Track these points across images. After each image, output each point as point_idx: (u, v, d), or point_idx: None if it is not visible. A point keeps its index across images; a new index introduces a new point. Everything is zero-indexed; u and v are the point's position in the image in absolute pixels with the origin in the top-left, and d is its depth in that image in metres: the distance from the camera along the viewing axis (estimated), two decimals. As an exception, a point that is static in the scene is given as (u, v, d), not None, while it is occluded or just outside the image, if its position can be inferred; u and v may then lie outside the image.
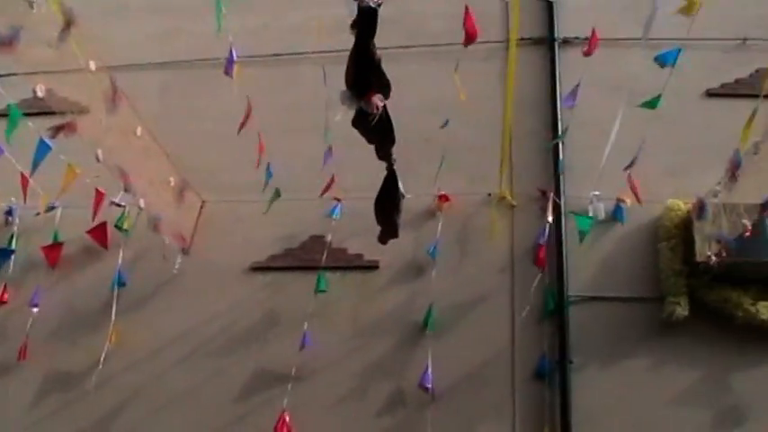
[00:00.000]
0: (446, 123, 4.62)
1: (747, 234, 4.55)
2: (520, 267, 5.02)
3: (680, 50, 3.95)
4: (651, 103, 4.40)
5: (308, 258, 5.06)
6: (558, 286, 4.92)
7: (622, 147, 4.94)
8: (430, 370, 4.65)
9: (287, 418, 4.46)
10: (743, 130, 4.07)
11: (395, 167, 3.56)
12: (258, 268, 5.11)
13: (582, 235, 4.76)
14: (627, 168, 4.50)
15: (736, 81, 5.20)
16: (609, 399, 4.71)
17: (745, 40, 5.33)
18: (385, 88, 2.99)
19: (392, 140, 3.31)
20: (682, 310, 4.73)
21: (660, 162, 4.96)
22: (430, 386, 4.63)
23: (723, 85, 5.28)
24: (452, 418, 4.72)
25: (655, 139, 4.94)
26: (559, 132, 5.15)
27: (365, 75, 2.88)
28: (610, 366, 4.79)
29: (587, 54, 4.37)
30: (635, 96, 4.24)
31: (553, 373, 4.73)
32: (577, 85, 4.50)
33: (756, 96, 4.78)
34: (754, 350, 4.68)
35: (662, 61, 4.02)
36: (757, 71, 5.27)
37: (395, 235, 4.14)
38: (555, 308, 4.88)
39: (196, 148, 5.26)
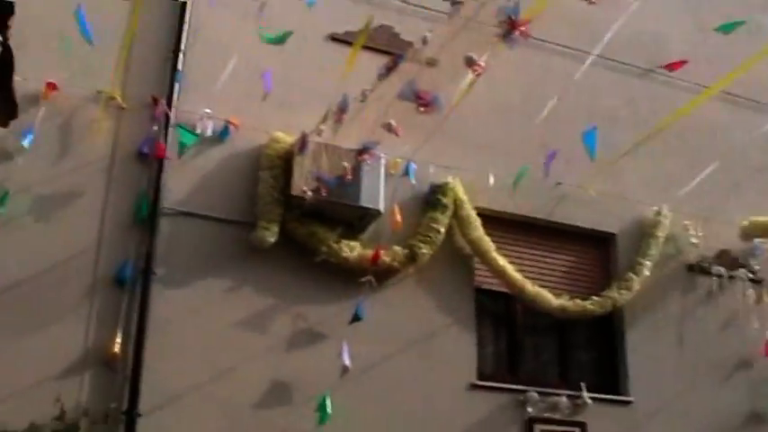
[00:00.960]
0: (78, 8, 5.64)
1: (346, 177, 6.59)
2: (119, 171, 6.34)
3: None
4: (278, 39, 6.16)
5: None
6: (154, 196, 6.35)
7: (242, 72, 6.69)
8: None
9: None
10: (343, 74, 6.13)
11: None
12: None
13: (182, 148, 6.31)
14: (264, 98, 6.16)
15: (359, 31, 7.41)
16: (186, 313, 6.31)
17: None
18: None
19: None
20: (270, 235, 6.53)
21: (274, 94, 6.81)
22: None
23: (347, 32, 7.44)
24: (26, 313, 5.77)
25: (276, 72, 6.82)
26: (182, 45, 6.64)
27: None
28: (193, 282, 6.40)
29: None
30: (266, 28, 5.93)
31: (135, 281, 6.15)
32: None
33: (374, 49, 7.00)
34: (333, 284, 6.78)
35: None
36: (381, 26, 7.57)
37: (14, 116, 5.06)
38: (147, 217, 6.30)
39: None
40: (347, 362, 6.46)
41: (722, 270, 8.37)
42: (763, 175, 9.19)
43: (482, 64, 5.91)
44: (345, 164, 6.68)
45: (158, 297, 6.29)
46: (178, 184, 6.58)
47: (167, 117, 6.49)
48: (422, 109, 6.17)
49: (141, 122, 6.50)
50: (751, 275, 8.48)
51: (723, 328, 8.31)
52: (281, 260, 6.76)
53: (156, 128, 6.31)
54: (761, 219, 8.65)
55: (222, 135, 6.79)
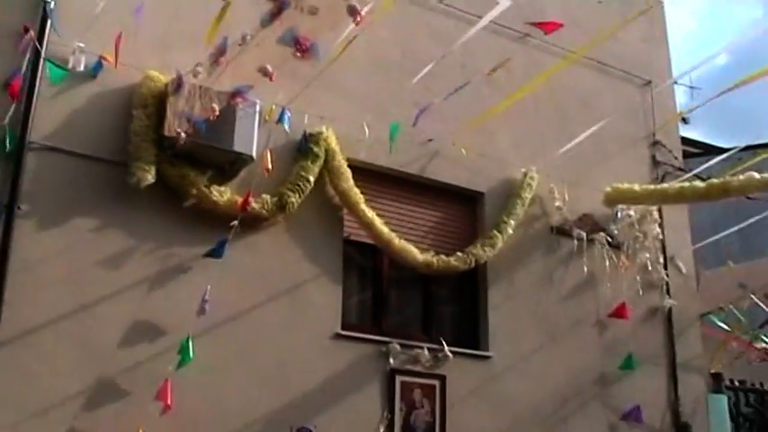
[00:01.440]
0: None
1: (213, 117, 7.53)
2: (-13, 103, 7.07)
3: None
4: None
5: None
6: (21, 130, 7.11)
7: (119, 7, 7.54)
8: None
9: None
10: (214, 21, 7.11)
11: None
12: None
13: (53, 83, 7.11)
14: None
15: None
16: (50, 250, 7.12)
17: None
18: None
19: None
20: (149, 176, 7.24)
21: (151, 32, 7.70)
22: None
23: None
24: None
25: (155, 9, 7.70)
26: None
27: None
28: (59, 219, 7.22)
29: None
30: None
31: (-1, 216, 6.96)
32: None
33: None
34: (201, 229, 7.69)
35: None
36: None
37: None
38: (13, 151, 7.06)
39: None
40: (206, 306, 7.34)
41: (583, 233, 9.99)
42: (629, 145, 10.89)
43: (362, 14, 6.94)
44: (215, 105, 7.52)
45: (22, 233, 7.07)
46: (47, 119, 7.35)
47: (37, 49, 7.25)
48: (298, 55, 7.11)
49: (11, 53, 7.24)
50: (609, 240, 10.16)
51: (581, 289, 9.95)
52: (150, 201, 7.62)
53: (25, 59, 7.06)
54: (624, 186, 10.32)
55: (95, 70, 7.62)
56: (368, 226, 8.58)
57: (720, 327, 11.76)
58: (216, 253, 7.55)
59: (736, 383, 11.49)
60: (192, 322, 7.43)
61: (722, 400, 10.94)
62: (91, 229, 7.48)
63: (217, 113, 7.56)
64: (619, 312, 9.88)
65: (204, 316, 7.44)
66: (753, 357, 11.89)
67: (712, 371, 10.97)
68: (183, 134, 7.46)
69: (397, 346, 8.57)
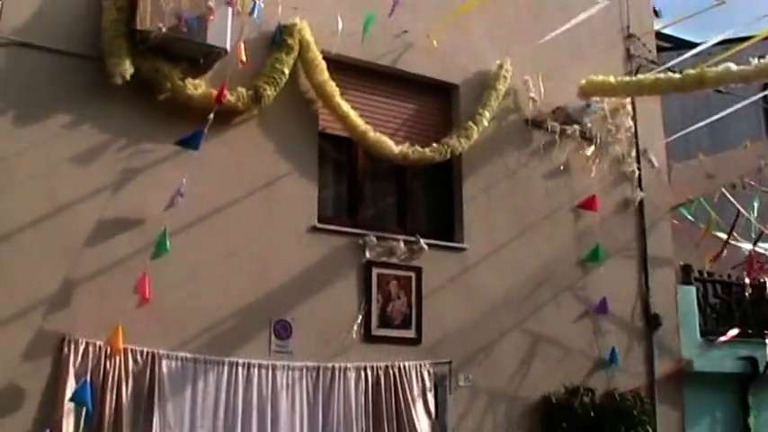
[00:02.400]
0: None
1: (210, 17, 7.78)
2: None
3: None
4: None
5: None
6: (-9, 27, 7.34)
7: None
8: None
9: None
10: None
11: None
12: None
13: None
14: None
15: None
16: (23, 147, 7.40)
17: None
18: None
19: None
20: (126, 70, 7.54)
21: None
22: None
23: None
24: None
25: None
26: None
27: None
28: (31, 116, 7.57)
29: None
30: None
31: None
32: None
33: None
34: (176, 122, 8.00)
35: None
36: None
37: None
38: (-18, 46, 7.37)
39: None
40: (179, 198, 7.68)
41: (556, 126, 10.60)
42: (603, 38, 11.43)
43: None
44: (210, 3, 7.83)
45: (-10, 130, 7.43)
46: (16, 14, 7.63)
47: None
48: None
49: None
50: (582, 133, 10.80)
51: (554, 181, 10.62)
52: (124, 96, 7.98)
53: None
54: (599, 78, 10.90)
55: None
56: (343, 118, 9.04)
57: (690, 219, 12.54)
58: (192, 143, 7.83)
59: (705, 275, 12.33)
60: (169, 217, 7.82)
61: (691, 292, 11.86)
62: (64, 125, 7.83)
63: (213, 12, 7.87)
64: (588, 204, 10.60)
65: (181, 211, 7.87)
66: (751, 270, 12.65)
67: (682, 263, 11.80)
68: (162, 28, 7.69)
69: (373, 239, 9.17)
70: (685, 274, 11.84)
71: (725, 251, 12.58)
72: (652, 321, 11.06)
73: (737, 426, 11.83)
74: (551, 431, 9.71)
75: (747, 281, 12.59)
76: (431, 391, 9.08)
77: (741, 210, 12.81)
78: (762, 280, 12.73)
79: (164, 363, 7.74)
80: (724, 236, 13.03)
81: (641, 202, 11.30)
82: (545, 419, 9.82)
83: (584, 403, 9.83)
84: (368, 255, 9.15)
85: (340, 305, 8.91)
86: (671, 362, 11.15)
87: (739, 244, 12.93)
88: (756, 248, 12.68)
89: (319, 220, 8.98)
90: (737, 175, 13.09)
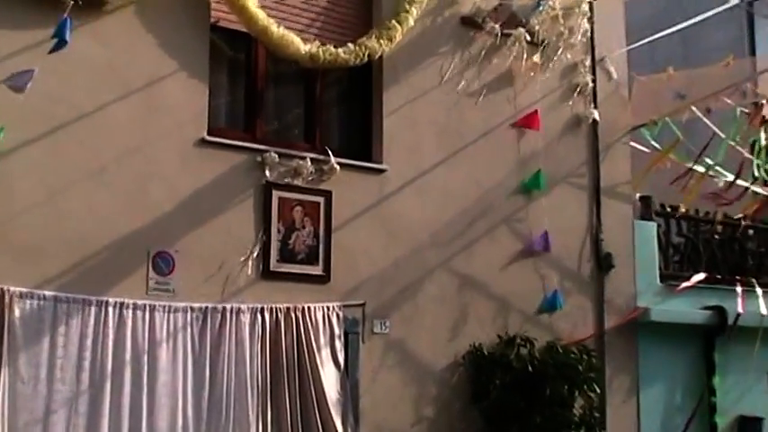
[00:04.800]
0: None
1: None
2: None
3: None
4: None
5: None
6: None
7: None
8: None
9: None
10: None
11: None
12: None
13: None
14: None
15: None
16: None
17: None
18: None
19: None
20: None
21: None
22: None
23: None
24: None
25: None
26: None
27: None
28: None
29: None
30: None
31: None
32: None
33: None
34: (33, 14, 8.04)
35: None
36: None
37: None
38: None
39: None
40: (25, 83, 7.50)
41: (497, 27, 10.83)
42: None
43: None
44: None
45: None
46: None
47: None
48: None
49: None
50: (529, 36, 11.06)
51: (493, 94, 10.91)
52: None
53: None
54: (547, -28, 11.13)
55: None
56: (240, 9, 9.07)
57: (653, 145, 12.95)
58: (58, 37, 7.63)
59: (668, 209, 12.80)
60: (18, 120, 7.87)
61: (650, 229, 12.33)
62: None
63: None
64: (528, 121, 10.97)
65: (36, 115, 8.00)
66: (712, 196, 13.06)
67: (639, 194, 12.23)
68: None
69: (275, 156, 9.34)
70: (645, 208, 12.26)
71: (690, 179, 12.94)
72: (603, 262, 11.48)
73: (700, 386, 12.38)
74: (482, 387, 10.08)
75: (718, 217, 13.08)
76: (340, 338, 9.33)
77: (718, 132, 13.16)
78: (738, 217, 13.18)
79: (15, 303, 7.80)
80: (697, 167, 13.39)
81: (595, 122, 11.64)
82: (475, 374, 10.19)
83: (521, 356, 10.20)
84: (268, 175, 9.32)
85: (233, 235, 9.08)
86: (624, 310, 11.63)
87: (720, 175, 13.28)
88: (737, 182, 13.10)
89: (209, 133, 9.08)
90: (713, 95, 13.35)
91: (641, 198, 12.25)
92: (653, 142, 12.91)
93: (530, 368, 10.04)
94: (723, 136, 13.06)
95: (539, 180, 10.87)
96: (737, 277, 12.90)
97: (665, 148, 12.70)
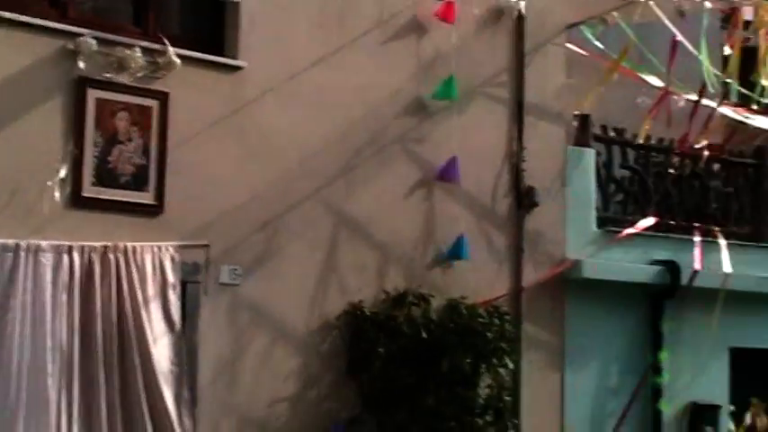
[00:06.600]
0: None
1: None
2: None
3: None
4: None
5: None
6: None
7: None
8: None
9: None
10: None
11: None
12: None
13: None
14: None
15: None
16: None
17: None
18: None
19: None
20: None
21: None
22: None
23: None
24: None
25: None
26: None
27: None
28: None
29: None
30: None
31: None
32: None
33: None
34: None
35: None
36: None
37: None
38: None
39: None
40: None
41: None
42: None
43: None
44: None
45: None
46: None
47: None
48: None
49: None
50: None
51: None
52: None
53: None
54: None
55: None
56: None
57: (596, 46, 12.94)
58: None
59: (612, 134, 12.81)
60: None
61: (587, 157, 12.34)
62: None
63: None
64: (443, 13, 10.82)
65: None
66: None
67: (578, 111, 12.22)
68: None
69: (92, 42, 9.03)
70: (582, 131, 12.26)
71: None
72: (524, 198, 11.51)
73: (642, 362, 12.57)
74: (361, 358, 10.09)
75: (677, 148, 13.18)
76: (174, 289, 9.24)
77: (681, 39, 13.20)
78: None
79: None
80: (652, 79, 13.46)
81: (521, 16, 11.61)
82: (352, 340, 10.21)
83: (413, 318, 10.23)
84: (82, 67, 9.07)
85: (32, 149, 8.85)
86: (549, 263, 11.74)
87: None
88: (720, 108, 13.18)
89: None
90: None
91: (578, 117, 12.18)
92: (597, 42, 12.85)
93: (424, 334, 10.05)
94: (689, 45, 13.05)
95: (451, 88, 10.81)
96: (696, 224, 12.95)
97: (619, 54, 12.64)
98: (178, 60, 9.43)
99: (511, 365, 10.46)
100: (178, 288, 9.29)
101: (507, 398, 10.43)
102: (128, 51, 9.25)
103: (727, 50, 13.44)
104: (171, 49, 9.41)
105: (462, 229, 10.92)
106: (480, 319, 10.32)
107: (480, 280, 11.06)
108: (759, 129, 13.95)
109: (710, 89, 13.20)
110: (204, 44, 9.83)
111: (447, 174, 10.87)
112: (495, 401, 10.25)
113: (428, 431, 9.87)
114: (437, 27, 10.93)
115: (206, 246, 9.48)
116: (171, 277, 9.22)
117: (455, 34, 10.95)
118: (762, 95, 13.48)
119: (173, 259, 9.25)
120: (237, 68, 9.88)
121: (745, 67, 13.52)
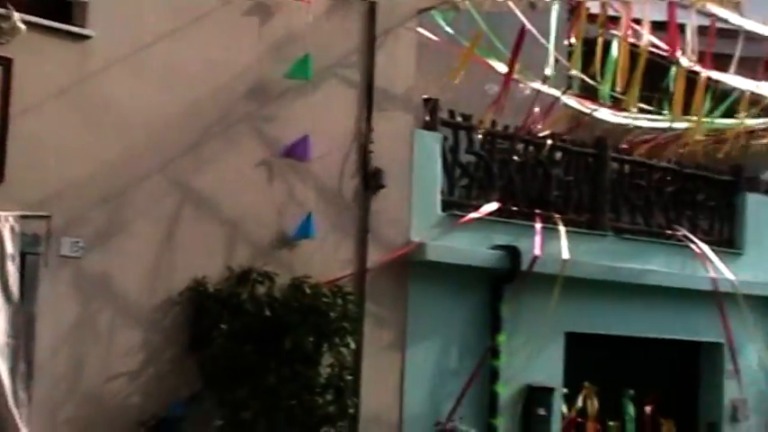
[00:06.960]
0: None
1: None
2: None
3: None
4: None
5: None
6: None
7: None
8: None
9: None
10: None
11: None
12: None
13: None
14: None
15: None
16: None
17: None
18: None
19: None
20: None
21: None
22: None
23: None
24: None
25: None
26: None
27: None
28: None
29: None
30: None
31: None
32: None
33: None
34: None
35: None
36: None
37: None
38: None
39: None
40: None
41: None
42: None
43: None
44: None
45: None
46: None
47: None
48: None
49: None
50: None
51: None
52: None
53: None
54: None
55: None
56: None
57: (447, 32, 12.94)
58: None
59: (459, 119, 12.83)
60: None
61: (434, 141, 12.34)
62: None
63: None
64: (297, -10, 10.69)
65: None
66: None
67: (426, 96, 12.22)
68: None
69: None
70: (429, 114, 12.26)
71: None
72: (371, 180, 11.50)
73: (481, 344, 12.64)
74: (204, 333, 10.00)
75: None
76: (13, 260, 9.04)
77: (530, 27, 13.30)
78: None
79: None
80: (501, 67, 13.54)
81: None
82: (195, 317, 10.12)
83: (256, 296, 10.20)
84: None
85: None
86: (394, 244, 11.73)
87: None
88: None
89: None
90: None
91: (426, 101, 12.19)
92: (448, 28, 12.87)
93: (267, 312, 10.04)
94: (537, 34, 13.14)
95: (306, 67, 10.74)
96: (537, 211, 13.06)
97: (471, 41, 12.67)
98: (23, 26, 9.17)
99: (353, 345, 10.46)
100: (17, 259, 9.05)
101: (348, 377, 10.43)
102: (-22, 12, 8.95)
103: (571, 42, 13.52)
104: (16, 15, 9.13)
105: (310, 208, 10.90)
106: (324, 299, 10.30)
107: (325, 260, 11.04)
108: (602, 120, 14.10)
109: (550, 77, 13.29)
110: (51, 11, 9.57)
111: (297, 152, 10.81)
112: (335, 380, 10.24)
113: (269, 409, 9.83)
114: (289, 6, 10.86)
115: (47, 217, 9.26)
116: (10, 248, 8.99)
117: (308, 14, 10.82)
118: (612, 89, 13.68)
119: (12, 230, 9.02)
120: (85, 37, 9.67)
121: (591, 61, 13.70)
